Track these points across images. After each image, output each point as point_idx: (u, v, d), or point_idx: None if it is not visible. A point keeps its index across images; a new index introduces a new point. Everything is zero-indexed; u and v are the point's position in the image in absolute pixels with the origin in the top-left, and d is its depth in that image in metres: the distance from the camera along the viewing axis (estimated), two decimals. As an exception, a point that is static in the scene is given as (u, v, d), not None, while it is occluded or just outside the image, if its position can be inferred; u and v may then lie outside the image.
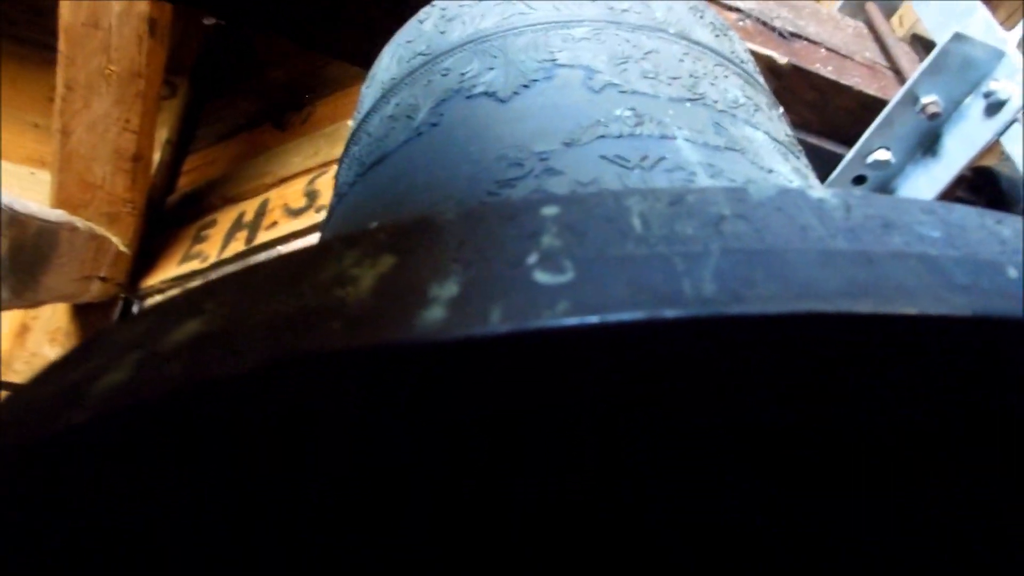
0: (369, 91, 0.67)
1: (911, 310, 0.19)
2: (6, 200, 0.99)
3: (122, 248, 1.75)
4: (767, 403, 0.22)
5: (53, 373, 0.27)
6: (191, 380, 0.21)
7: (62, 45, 1.68)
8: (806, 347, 0.21)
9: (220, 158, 2.31)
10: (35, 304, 1.32)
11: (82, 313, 1.74)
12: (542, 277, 0.21)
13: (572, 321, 0.20)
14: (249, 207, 2.06)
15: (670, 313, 0.19)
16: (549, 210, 0.24)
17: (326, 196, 2.02)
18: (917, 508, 0.27)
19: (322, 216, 1.91)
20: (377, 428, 0.23)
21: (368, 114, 0.62)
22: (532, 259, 0.22)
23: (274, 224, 1.97)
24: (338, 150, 2.26)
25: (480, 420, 0.23)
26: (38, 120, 2.29)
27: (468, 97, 0.53)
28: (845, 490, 0.26)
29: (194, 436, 0.22)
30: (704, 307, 0.19)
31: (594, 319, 0.20)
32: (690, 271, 0.21)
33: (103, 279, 1.62)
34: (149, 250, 2.00)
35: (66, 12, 1.68)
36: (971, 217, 0.25)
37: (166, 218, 2.13)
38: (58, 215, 1.28)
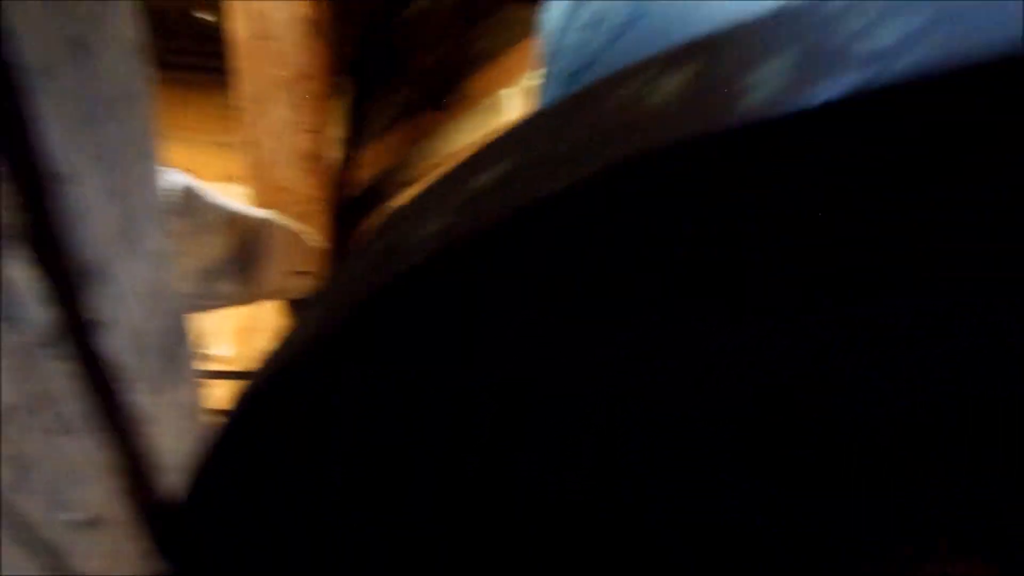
0: (552, 13, 0.66)
1: None
2: (222, 201, 1.06)
3: (317, 244, 1.84)
4: None
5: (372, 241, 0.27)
6: (518, 205, 0.20)
7: (236, 60, 1.79)
8: None
9: (389, 148, 2.38)
10: (252, 300, 1.41)
11: (293, 311, 1.86)
12: (882, 33, 0.19)
13: (933, 55, 0.17)
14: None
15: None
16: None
17: (495, 165, 2.04)
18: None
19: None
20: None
21: (560, 31, 0.61)
22: (856, 24, 0.20)
23: (450, 199, 2.01)
24: (497, 120, 2.28)
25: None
26: (219, 138, 2.46)
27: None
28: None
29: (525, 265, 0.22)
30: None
31: (960, 50, 0.17)
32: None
33: (306, 274, 1.71)
34: (339, 244, 2.10)
35: (236, 29, 1.78)
36: None
37: (350, 211, 2.23)
38: (264, 214, 1.36)
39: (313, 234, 1.82)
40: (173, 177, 0.90)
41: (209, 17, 2.21)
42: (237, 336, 1.82)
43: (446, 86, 2.42)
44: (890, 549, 0.26)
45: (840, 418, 0.22)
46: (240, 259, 1.10)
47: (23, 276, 0.47)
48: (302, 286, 1.65)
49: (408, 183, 2.18)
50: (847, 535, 0.26)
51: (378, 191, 2.23)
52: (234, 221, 1.07)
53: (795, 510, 0.26)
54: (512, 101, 1.99)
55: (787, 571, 0.27)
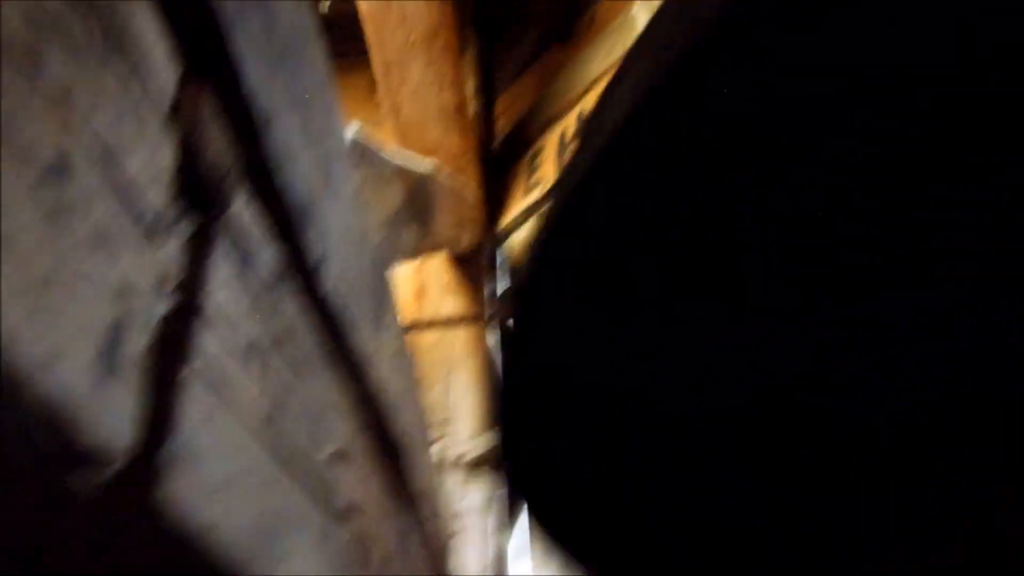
0: None
1: None
2: (389, 155, 1.08)
3: (475, 195, 1.86)
4: None
5: None
6: None
7: (368, 30, 1.81)
8: None
9: (525, 91, 2.36)
10: (428, 251, 1.44)
11: (459, 266, 1.88)
12: None
13: None
14: (568, 123, 2.09)
15: None
16: None
17: (637, 85, 1.98)
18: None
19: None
20: None
21: None
22: None
23: (597, 128, 1.97)
24: (630, 41, 2.21)
25: None
26: (365, 117, 2.52)
27: None
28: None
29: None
30: None
31: None
32: None
33: (469, 225, 1.73)
34: (493, 193, 2.11)
35: (358, 1, 1.80)
36: None
37: (499, 161, 2.23)
38: (429, 165, 1.37)
39: (469, 186, 1.83)
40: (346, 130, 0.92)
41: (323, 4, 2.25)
42: (413, 297, 1.86)
43: (571, 16, 2.37)
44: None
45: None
46: (413, 209, 1.12)
47: (248, 214, 0.48)
48: (469, 237, 1.67)
49: (549, 122, 2.15)
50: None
51: (521, 136, 2.22)
52: (403, 173, 1.09)
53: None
54: (648, 15, 1.92)
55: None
